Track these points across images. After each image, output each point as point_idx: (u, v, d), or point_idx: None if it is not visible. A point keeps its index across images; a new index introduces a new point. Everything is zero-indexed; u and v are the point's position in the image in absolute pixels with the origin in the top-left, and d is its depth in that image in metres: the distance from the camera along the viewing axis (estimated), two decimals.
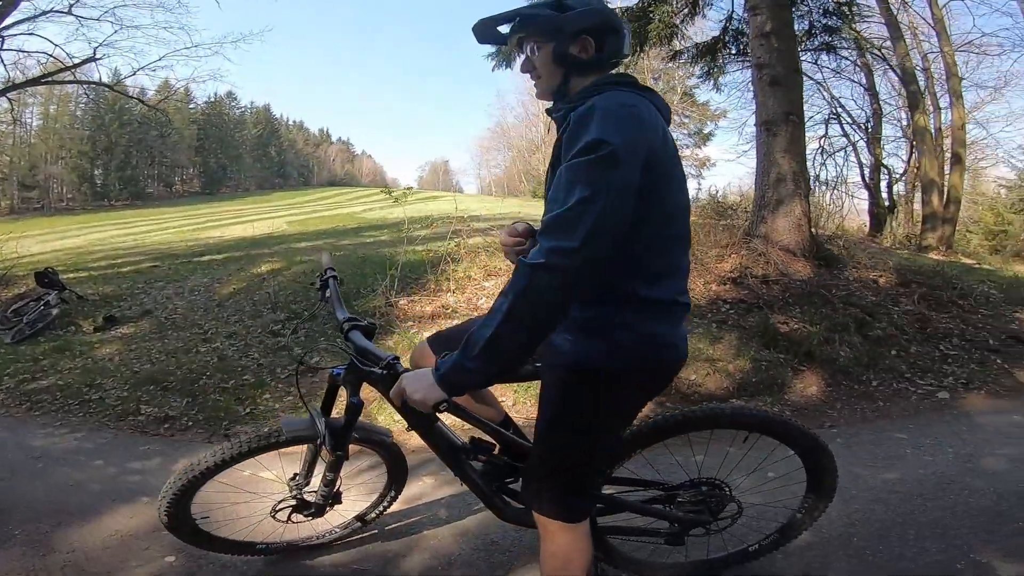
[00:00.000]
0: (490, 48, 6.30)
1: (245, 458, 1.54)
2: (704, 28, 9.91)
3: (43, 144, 40.28)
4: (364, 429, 1.63)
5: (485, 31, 1.23)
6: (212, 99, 54.94)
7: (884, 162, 13.03)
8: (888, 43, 11.09)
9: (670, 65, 13.33)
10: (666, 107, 1.17)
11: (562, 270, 0.95)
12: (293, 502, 1.69)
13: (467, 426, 1.48)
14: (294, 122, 78.30)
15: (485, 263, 5.06)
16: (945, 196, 10.58)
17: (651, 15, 5.99)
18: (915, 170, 12.98)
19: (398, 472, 1.81)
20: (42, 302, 5.75)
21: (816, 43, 7.15)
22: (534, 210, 13.72)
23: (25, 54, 9.72)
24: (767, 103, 5.10)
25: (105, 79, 12.82)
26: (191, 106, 49.39)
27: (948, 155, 11.20)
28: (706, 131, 25.64)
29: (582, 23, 1.13)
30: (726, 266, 5.08)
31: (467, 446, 1.49)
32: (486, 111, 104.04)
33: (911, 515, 2.16)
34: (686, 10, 6.01)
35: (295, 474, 1.69)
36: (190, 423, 3.16)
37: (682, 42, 6.75)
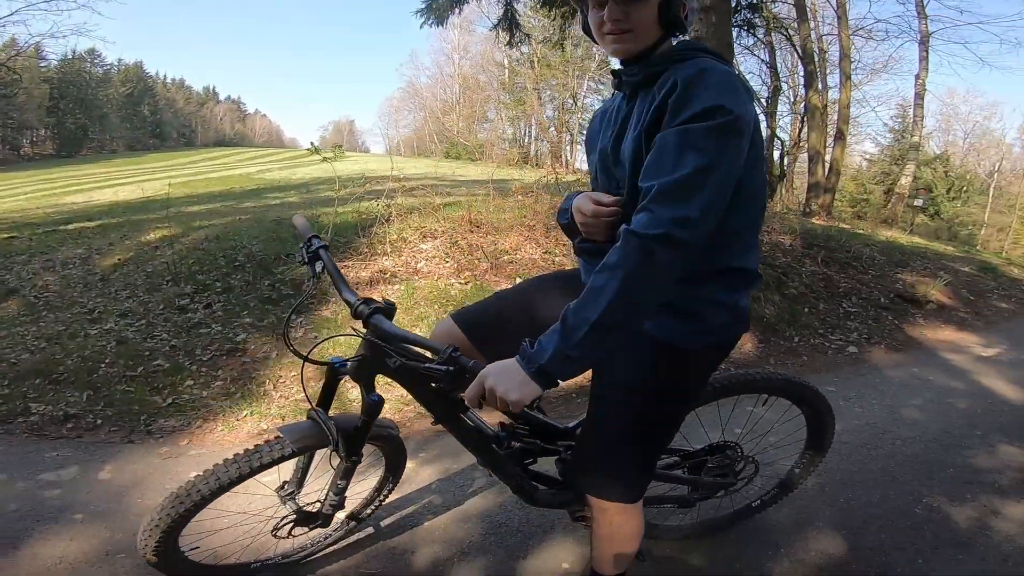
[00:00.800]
0: (420, 3, 5.95)
1: (247, 479, 1.28)
2: None
3: None
4: (375, 426, 1.39)
5: None
6: (70, 56, 47.27)
7: (777, 135, 14.16)
8: (795, 23, 11.88)
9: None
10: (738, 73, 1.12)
11: (684, 243, 0.87)
12: (294, 516, 1.46)
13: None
14: (173, 80, 70.44)
15: (418, 224, 4.78)
16: (828, 167, 11.72)
17: None
18: (799, 143, 14.31)
19: (397, 463, 1.63)
20: None
21: (739, 19, 7.45)
22: (447, 170, 13.46)
23: None
24: None
25: None
26: (41, 64, 42.32)
27: (832, 130, 12.38)
28: None
29: None
30: None
31: (500, 434, 1.35)
32: (396, 72, 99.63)
33: (864, 464, 2.40)
34: None
35: (283, 483, 1.44)
36: (98, 420, 2.66)
37: None
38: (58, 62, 45.43)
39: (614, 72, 1.11)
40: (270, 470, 1.31)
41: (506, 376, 0.94)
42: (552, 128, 28.12)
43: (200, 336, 3.37)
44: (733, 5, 7.38)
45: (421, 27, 6.67)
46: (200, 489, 1.23)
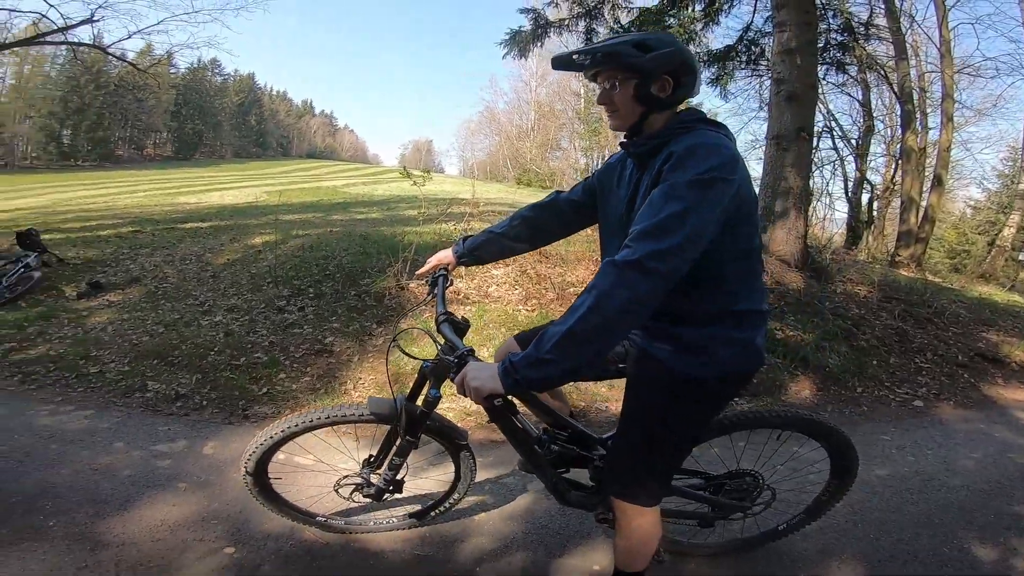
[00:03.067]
0: (504, 35, 6.33)
1: (326, 426, 1.62)
2: (712, 35, 10.00)
3: (13, 103, 38.37)
4: (441, 424, 1.69)
5: (561, 61, 1.27)
6: (195, 65, 53.31)
7: (868, 178, 13.47)
8: (892, 62, 11.32)
9: None
10: (733, 137, 1.26)
11: (654, 271, 1.02)
12: (359, 480, 1.73)
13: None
14: (277, 92, 76.73)
15: None
16: (922, 215, 11.00)
17: (668, 18, 6.05)
18: (892, 187, 13.48)
19: (465, 471, 1.83)
20: (21, 264, 5.47)
21: (828, 59, 7.31)
22: (521, 197, 13.80)
23: (18, 14, 9.19)
24: (781, 117, 5.20)
25: (87, 41, 12.13)
26: (172, 71, 47.79)
27: (930, 174, 11.62)
28: None
29: (666, 65, 1.18)
30: None
31: (542, 436, 1.56)
32: (477, 95, 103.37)
33: (903, 507, 2.42)
34: (705, 18, 6.09)
35: (370, 455, 1.73)
36: (204, 402, 3.06)
37: (696, 48, 6.85)
38: (186, 70, 51.10)
39: (621, 144, 1.31)
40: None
41: (481, 371, 1.12)
42: None
43: (294, 335, 3.79)
44: (822, 44, 7.26)
45: (503, 58, 7.09)
46: (292, 425, 1.58)
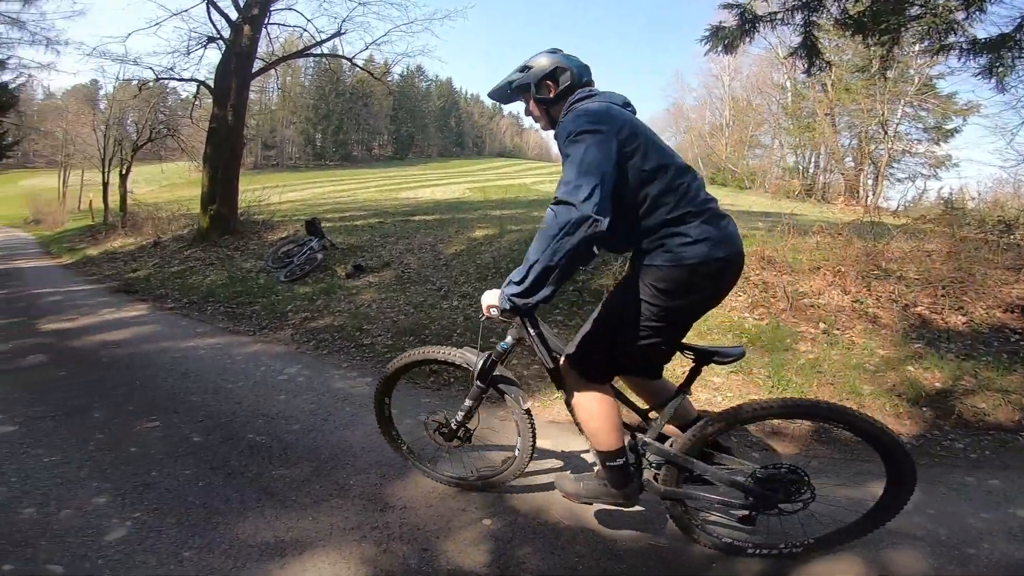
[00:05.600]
0: (704, 32, 5.99)
1: (427, 364, 2.05)
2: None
3: (281, 110, 48.54)
4: (505, 377, 1.90)
5: (500, 94, 1.74)
6: (404, 73, 61.12)
7: None
8: None
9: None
10: (623, 99, 1.62)
11: (566, 201, 1.37)
12: (439, 419, 2.02)
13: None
14: (471, 95, 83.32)
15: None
16: None
17: (910, 6, 5.03)
18: None
19: (526, 433, 1.93)
20: (306, 247, 6.89)
21: None
22: (719, 196, 12.78)
23: (286, 28, 11.54)
24: None
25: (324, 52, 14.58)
26: (389, 79, 55.57)
27: None
28: (949, 126, 21.10)
29: (540, 73, 1.63)
30: (1013, 292, 4.19)
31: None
32: (661, 93, 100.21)
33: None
34: (968, 6, 4.90)
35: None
36: (451, 379, 3.43)
37: (957, 36, 5.57)
38: (400, 77, 58.92)
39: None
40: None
41: (490, 293, 1.57)
42: (849, 159, 23.93)
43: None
44: None
45: (706, 55, 6.65)
46: (407, 358, 1.98)
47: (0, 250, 16.25)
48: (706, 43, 6.80)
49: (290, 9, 11.27)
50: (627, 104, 1.62)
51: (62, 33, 31.73)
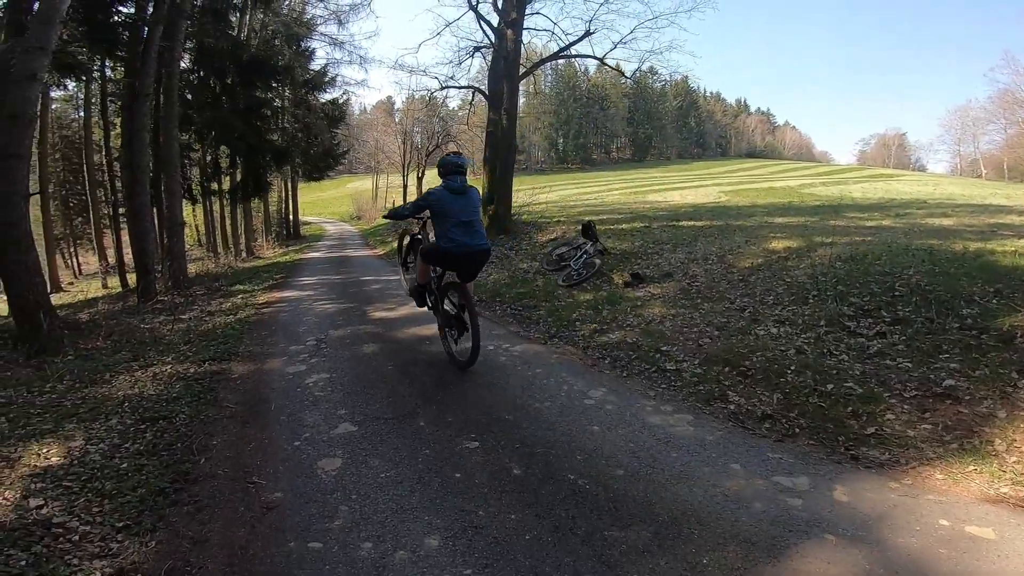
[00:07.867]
0: None
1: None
2: None
3: (528, 116, 52.76)
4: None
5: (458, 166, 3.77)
6: (638, 71, 60.29)
7: None
8: None
9: None
10: (449, 185, 3.68)
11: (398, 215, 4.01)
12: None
13: None
14: (711, 93, 77.86)
15: None
16: None
17: None
18: None
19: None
20: (581, 251, 6.80)
21: None
22: None
23: (536, 32, 12.03)
24: None
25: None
26: (621, 81, 55.46)
27: None
28: None
29: (439, 168, 3.83)
30: None
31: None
32: (982, 77, 78.13)
33: None
34: None
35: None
36: (795, 429, 2.74)
37: None
38: (636, 77, 58.15)
39: None
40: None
41: None
42: None
43: (888, 368, 3.13)
44: None
45: None
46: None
47: (338, 240, 21.12)
48: None
49: (538, 14, 11.83)
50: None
51: (368, 52, 39.92)
